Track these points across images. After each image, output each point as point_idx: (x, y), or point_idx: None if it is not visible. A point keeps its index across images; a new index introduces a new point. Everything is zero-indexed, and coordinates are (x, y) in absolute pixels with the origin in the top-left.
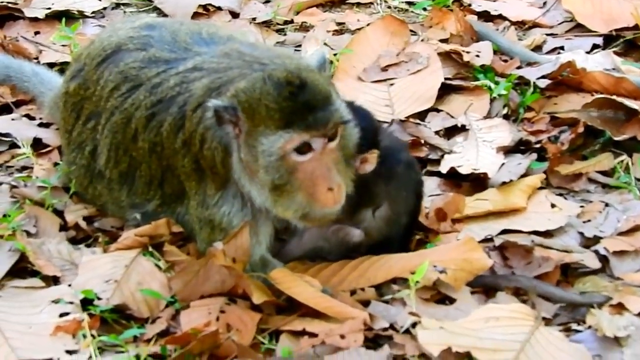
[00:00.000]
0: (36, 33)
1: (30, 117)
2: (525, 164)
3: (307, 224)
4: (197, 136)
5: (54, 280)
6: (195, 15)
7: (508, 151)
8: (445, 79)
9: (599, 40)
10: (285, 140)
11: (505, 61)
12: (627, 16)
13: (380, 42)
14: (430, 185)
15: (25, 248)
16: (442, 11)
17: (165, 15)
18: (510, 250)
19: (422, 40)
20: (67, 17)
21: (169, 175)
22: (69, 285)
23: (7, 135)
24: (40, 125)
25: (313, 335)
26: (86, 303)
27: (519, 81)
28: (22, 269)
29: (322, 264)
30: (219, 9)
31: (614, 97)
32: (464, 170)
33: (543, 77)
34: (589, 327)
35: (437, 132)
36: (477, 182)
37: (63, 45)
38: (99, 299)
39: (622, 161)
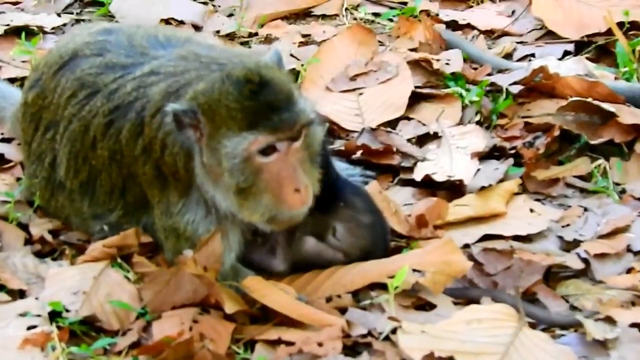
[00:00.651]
0: None
1: None
2: (503, 169)
3: (274, 228)
4: (157, 142)
5: (20, 294)
6: None
7: (483, 157)
8: (416, 87)
9: (571, 47)
10: (250, 142)
11: (476, 69)
12: (599, 22)
13: (348, 51)
14: (405, 194)
15: None
16: (410, 21)
17: None
18: (490, 254)
19: (390, 50)
20: (26, 32)
21: (130, 184)
22: (36, 299)
23: None
24: (2, 140)
25: (290, 343)
26: (54, 316)
27: (490, 88)
28: None
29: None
30: (182, 22)
31: (589, 99)
32: (438, 178)
33: (515, 83)
34: (575, 329)
35: (409, 140)
36: (453, 189)
37: (23, 61)
38: (67, 311)
39: (599, 165)
